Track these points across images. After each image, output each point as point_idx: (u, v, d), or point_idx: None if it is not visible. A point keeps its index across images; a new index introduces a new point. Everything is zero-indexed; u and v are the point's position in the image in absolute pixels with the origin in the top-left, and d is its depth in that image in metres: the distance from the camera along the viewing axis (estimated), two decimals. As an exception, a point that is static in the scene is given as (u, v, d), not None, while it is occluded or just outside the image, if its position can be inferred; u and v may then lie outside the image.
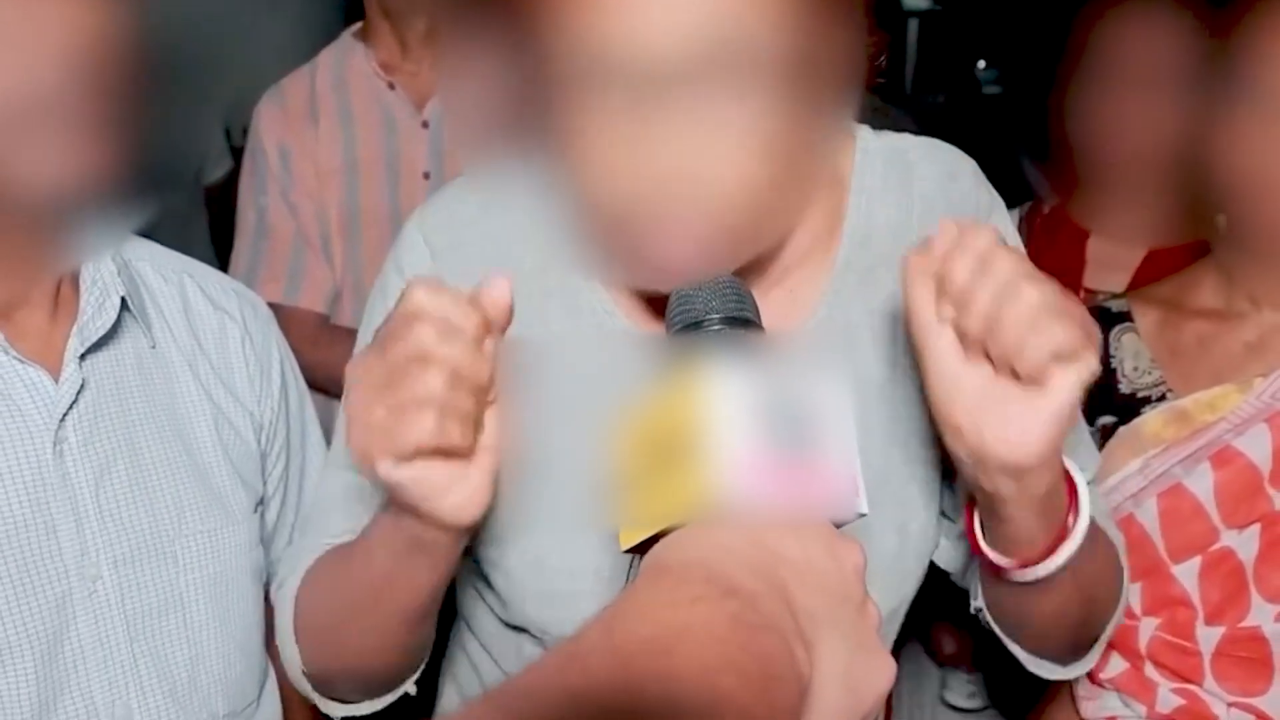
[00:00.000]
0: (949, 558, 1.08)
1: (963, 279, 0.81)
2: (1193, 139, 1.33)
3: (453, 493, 0.80)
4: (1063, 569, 0.91)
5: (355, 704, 1.04)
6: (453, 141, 2.00)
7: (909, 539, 1.03)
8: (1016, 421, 0.81)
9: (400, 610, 0.93)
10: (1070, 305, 0.81)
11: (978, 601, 1.05)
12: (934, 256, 0.82)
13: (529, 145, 0.91)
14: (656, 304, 0.95)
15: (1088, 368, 0.80)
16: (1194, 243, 1.55)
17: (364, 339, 1.06)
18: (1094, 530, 0.94)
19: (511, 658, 1.09)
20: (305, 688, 1.04)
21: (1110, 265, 1.76)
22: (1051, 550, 0.90)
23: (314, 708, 1.35)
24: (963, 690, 1.78)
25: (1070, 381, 0.79)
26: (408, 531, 0.85)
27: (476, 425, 0.80)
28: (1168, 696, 1.29)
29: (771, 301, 0.96)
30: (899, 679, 0.69)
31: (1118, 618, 1.06)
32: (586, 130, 0.83)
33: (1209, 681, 1.27)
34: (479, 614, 1.11)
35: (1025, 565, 0.91)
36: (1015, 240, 1.06)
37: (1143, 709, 1.31)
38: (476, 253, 1.00)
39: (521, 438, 0.92)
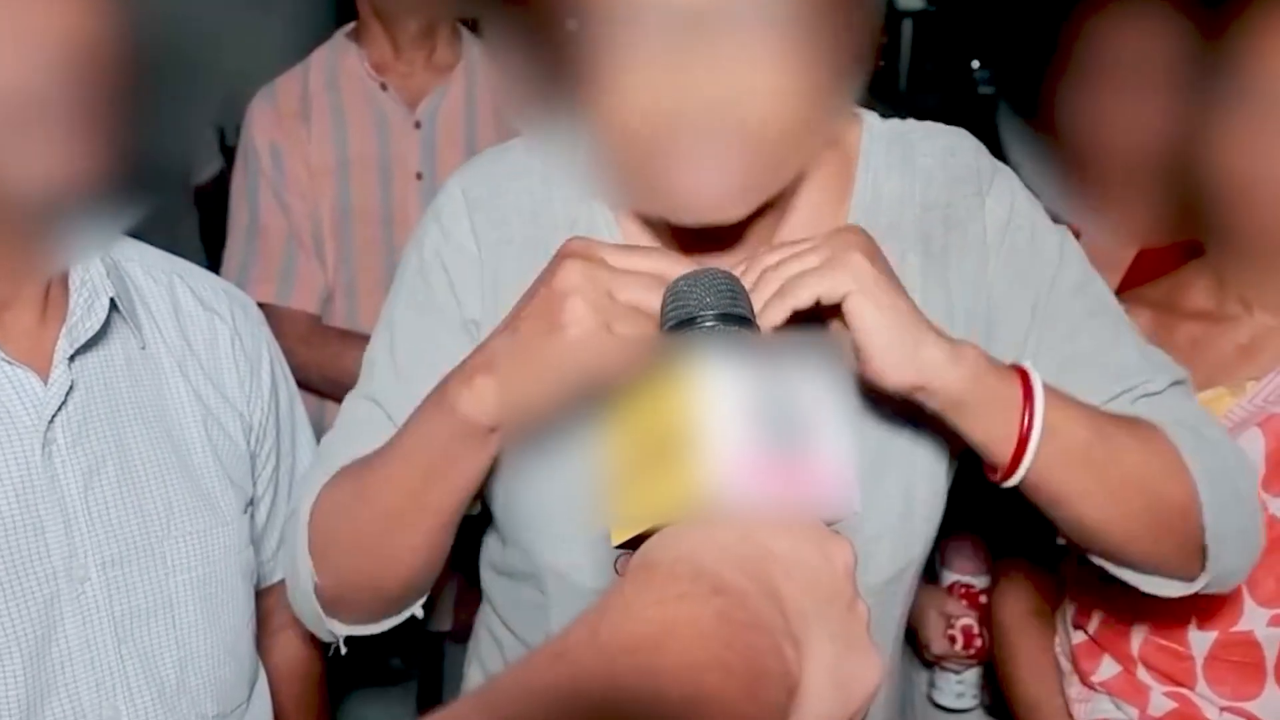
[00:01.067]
0: None
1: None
2: (1184, 139, 1.33)
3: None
4: (1043, 469, 0.95)
5: (360, 625, 1.08)
6: (455, 140, 2.00)
7: (915, 502, 1.07)
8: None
9: (440, 506, 0.98)
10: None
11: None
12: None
13: (566, 95, 0.96)
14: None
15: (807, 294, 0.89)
16: (1185, 243, 1.55)
17: (396, 295, 1.10)
18: (1100, 424, 0.98)
19: (531, 630, 1.13)
20: (311, 607, 1.06)
21: (1100, 265, 1.75)
22: (1018, 458, 0.95)
23: (309, 706, 1.36)
24: (950, 690, 1.78)
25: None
26: (474, 423, 0.92)
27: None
28: (1160, 700, 1.29)
29: None
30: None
31: (1223, 513, 1.03)
32: (621, 68, 0.90)
33: (1201, 685, 1.27)
34: (499, 595, 1.17)
35: (1004, 475, 0.96)
36: (1029, 199, 1.10)
37: (1135, 712, 1.31)
38: (511, 205, 1.07)
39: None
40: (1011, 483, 0.97)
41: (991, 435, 0.95)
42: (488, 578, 1.20)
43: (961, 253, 1.06)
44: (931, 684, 1.80)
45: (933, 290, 1.05)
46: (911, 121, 1.11)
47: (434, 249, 1.07)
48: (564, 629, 0.57)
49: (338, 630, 1.08)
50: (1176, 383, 1.09)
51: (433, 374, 1.01)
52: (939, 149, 1.08)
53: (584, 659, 0.54)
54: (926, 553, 1.13)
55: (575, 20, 0.91)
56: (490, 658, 1.22)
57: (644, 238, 1.06)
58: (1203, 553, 1.04)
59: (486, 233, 1.06)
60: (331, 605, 1.06)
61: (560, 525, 1.07)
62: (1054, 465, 0.95)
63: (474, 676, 1.26)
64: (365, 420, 1.08)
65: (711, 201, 0.93)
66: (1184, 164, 1.34)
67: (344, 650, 1.11)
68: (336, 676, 1.48)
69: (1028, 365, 0.96)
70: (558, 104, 0.98)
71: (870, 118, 1.10)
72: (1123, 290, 1.62)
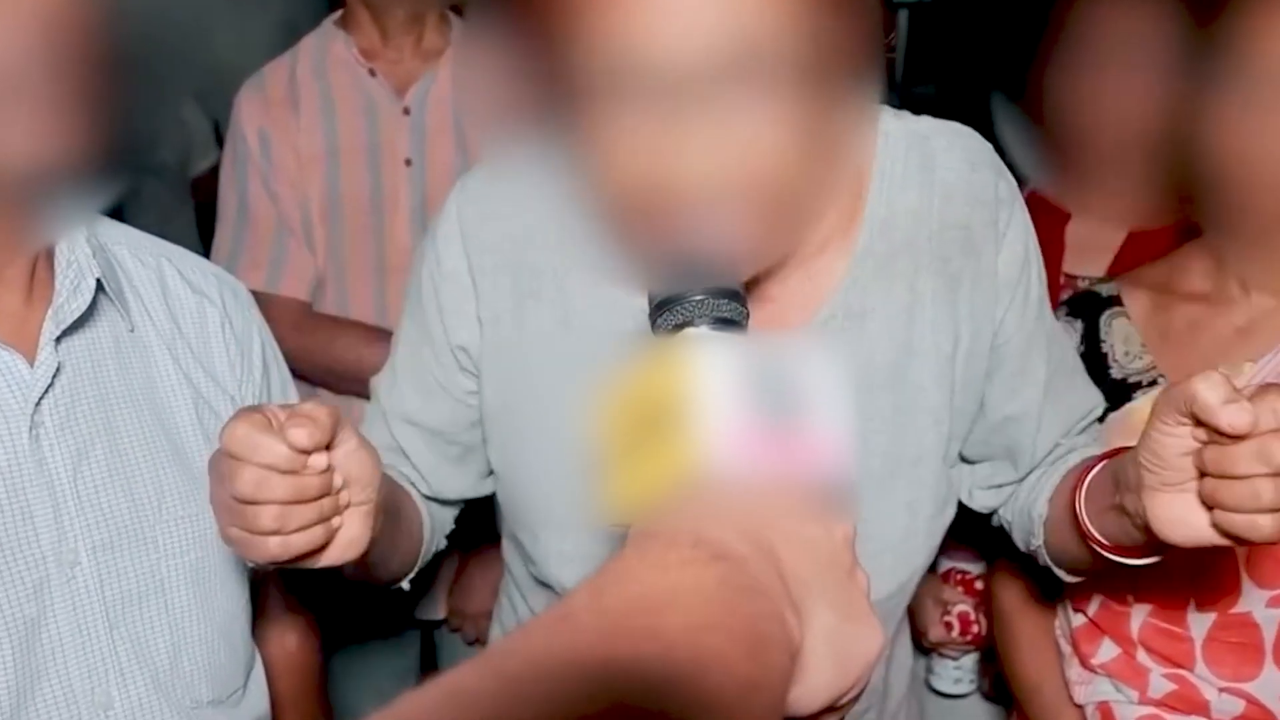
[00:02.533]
0: (983, 503, 1.19)
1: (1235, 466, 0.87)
2: (1178, 121, 1.32)
3: (327, 556, 0.91)
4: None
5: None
6: (444, 126, 2.00)
7: (919, 517, 1.07)
8: (1184, 521, 0.92)
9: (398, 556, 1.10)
10: None
11: (1038, 540, 1.13)
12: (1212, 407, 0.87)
13: (549, 138, 0.93)
14: None
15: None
16: (1176, 225, 1.54)
17: (404, 301, 1.15)
18: None
19: (545, 599, 1.16)
20: None
21: (1090, 248, 1.75)
22: (1157, 547, 0.99)
23: (306, 693, 1.35)
24: (948, 676, 1.78)
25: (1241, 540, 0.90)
26: None
27: (329, 527, 0.89)
28: (1159, 682, 1.29)
29: (790, 287, 1.01)
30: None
31: None
32: (608, 130, 0.84)
33: (1200, 667, 1.27)
34: (516, 566, 1.19)
35: (1120, 553, 1.03)
36: (1031, 228, 1.09)
37: (1135, 694, 1.31)
38: (505, 228, 1.05)
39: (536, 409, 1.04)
40: (1145, 561, 1.04)
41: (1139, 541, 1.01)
42: (507, 548, 1.22)
43: (974, 281, 1.03)
44: (929, 670, 1.80)
45: (942, 312, 1.03)
46: (927, 121, 1.05)
47: (429, 273, 1.08)
48: (567, 595, 0.57)
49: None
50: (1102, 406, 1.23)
51: (420, 391, 1.11)
52: (959, 161, 1.03)
53: (587, 622, 0.54)
54: (928, 564, 1.13)
55: (564, 66, 0.85)
56: (510, 623, 1.25)
57: None
58: None
59: (479, 258, 1.05)
60: None
61: (558, 508, 1.07)
62: None
63: (495, 635, 1.31)
64: (372, 414, 1.17)
65: (718, 270, 0.84)
66: (1178, 146, 1.33)
67: None
68: (332, 666, 1.48)
69: None
70: (542, 145, 0.97)
71: (885, 117, 1.04)
72: (1113, 272, 1.62)
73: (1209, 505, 0.90)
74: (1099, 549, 1.04)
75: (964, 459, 1.16)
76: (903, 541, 1.06)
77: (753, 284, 0.89)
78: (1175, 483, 0.91)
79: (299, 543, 0.86)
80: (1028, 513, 1.15)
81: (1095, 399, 1.21)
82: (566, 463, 1.03)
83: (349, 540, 0.92)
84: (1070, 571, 1.16)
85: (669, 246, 0.86)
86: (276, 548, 0.86)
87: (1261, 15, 1.21)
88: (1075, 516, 1.05)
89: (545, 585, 1.13)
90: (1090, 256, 1.74)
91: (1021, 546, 1.19)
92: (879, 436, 1.03)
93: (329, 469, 0.87)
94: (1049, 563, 1.15)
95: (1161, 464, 0.91)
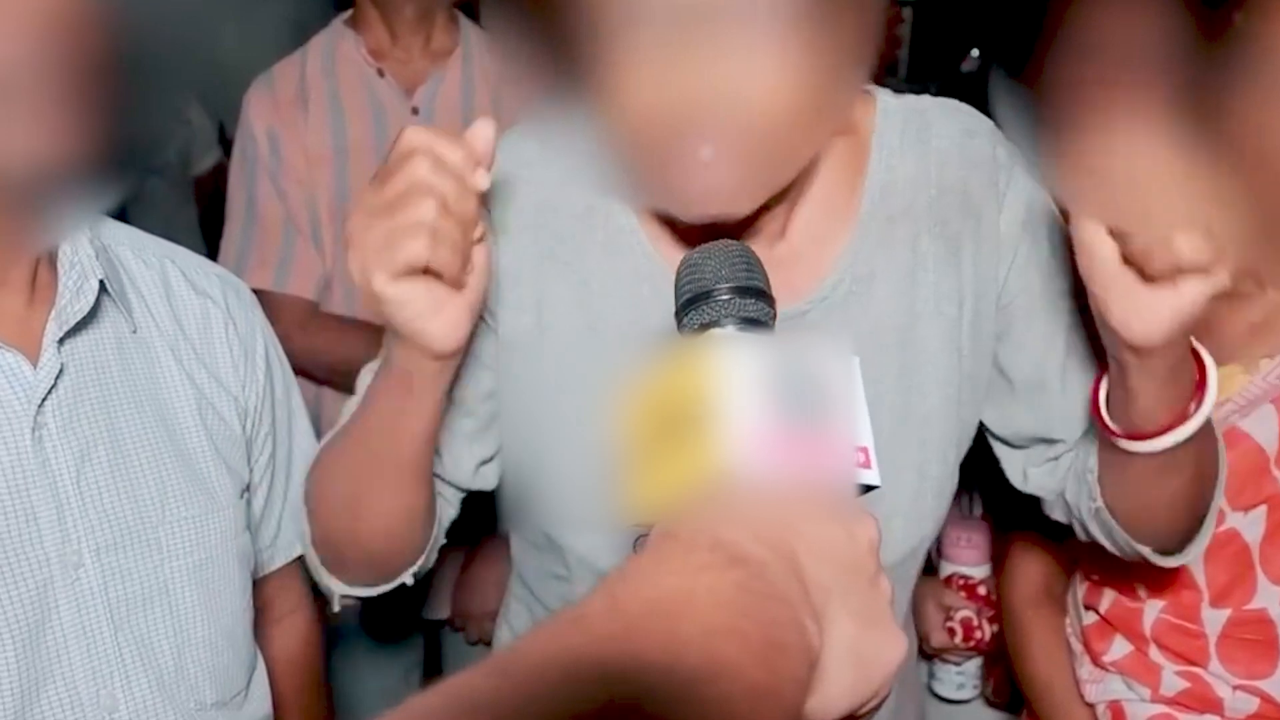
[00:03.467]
0: (1040, 484, 1.17)
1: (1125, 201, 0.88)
2: (1180, 118, 1.31)
3: (438, 317, 0.90)
4: (1180, 446, 0.99)
5: (357, 586, 1.12)
6: (452, 126, 1.99)
7: (928, 479, 1.08)
8: (1144, 310, 0.90)
9: (398, 463, 1.02)
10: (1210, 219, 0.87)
11: (1096, 501, 1.10)
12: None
13: (571, 81, 0.95)
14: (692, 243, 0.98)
15: (1215, 283, 0.87)
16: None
17: None
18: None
19: (556, 599, 1.16)
20: (313, 561, 1.12)
21: None
22: (1169, 428, 0.98)
23: (309, 695, 1.35)
24: (951, 681, 1.78)
25: (1195, 290, 0.88)
26: (398, 370, 0.96)
27: (464, 257, 0.89)
28: (1172, 679, 1.29)
29: (797, 253, 1.04)
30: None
31: (1217, 501, 1.12)
32: (625, 62, 0.88)
33: (1214, 664, 1.26)
34: (525, 563, 1.20)
35: (1142, 437, 0.99)
36: (1043, 193, 1.09)
37: (1147, 691, 1.30)
38: (525, 194, 1.07)
39: (557, 364, 1.06)
40: (1142, 449, 1.00)
41: (1156, 408, 0.98)
42: (516, 546, 1.22)
43: (976, 242, 1.06)
44: (931, 675, 1.79)
45: (945, 274, 1.06)
46: (926, 98, 1.10)
47: None
48: (581, 599, 0.56)
49: (335, 588, 1.12)
50: None
51: None
52: (956, 130, 1.07)
53: (601, 625, 0.54)
54: (937, 530, 1.14)
55: (577, 12, 0.88)
56: (519, 623, 1.25)
57: (658, 225, 1.05)
58: (1193, 533, 1.11)
59: (501, 221, 1.06)
60: (327, 562, 1.11)
61: (578, 508, 1.07)
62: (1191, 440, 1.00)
63: (504, 639, 1.31)
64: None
65: (718, 197, 0.91)
66: (1190, 142, 1.32)
67: (336, 608, 1.15)
68: (335, 665, 1.48)
69: (1206, 357, 1.00)
70: (562, 95, 0.98)
71: (883, 95, 1.08)
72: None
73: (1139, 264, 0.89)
74: (1122, 441, 1.02)
75: (1007, 442, 1.16)
76: (912, 505, 1.07)
77: (762, 250, 0.89)
78: (1108, 266, 0.91)
79: (444, 254, 0.86)
80: (1083, 477, 1.13)
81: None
82: (579, 436, 1.05)
83: (481, 268, 0.92)
84: (1134, 527, 1.10)
85: (677, 172, 0.91)
86: (425, 245, 0.84)
87: (1276, 9, 1.20)
88: (1102, 423, 1.03)
89: (558, 577, 1.13)
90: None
91: (1082, 533, 1.16)
92: (887, 397, 1.05)
93: (477, 196, 0.88)
94: (1114, 526, 1.11)
95: (1090, 256, 0.91)
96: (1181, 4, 1.63)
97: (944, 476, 1.09)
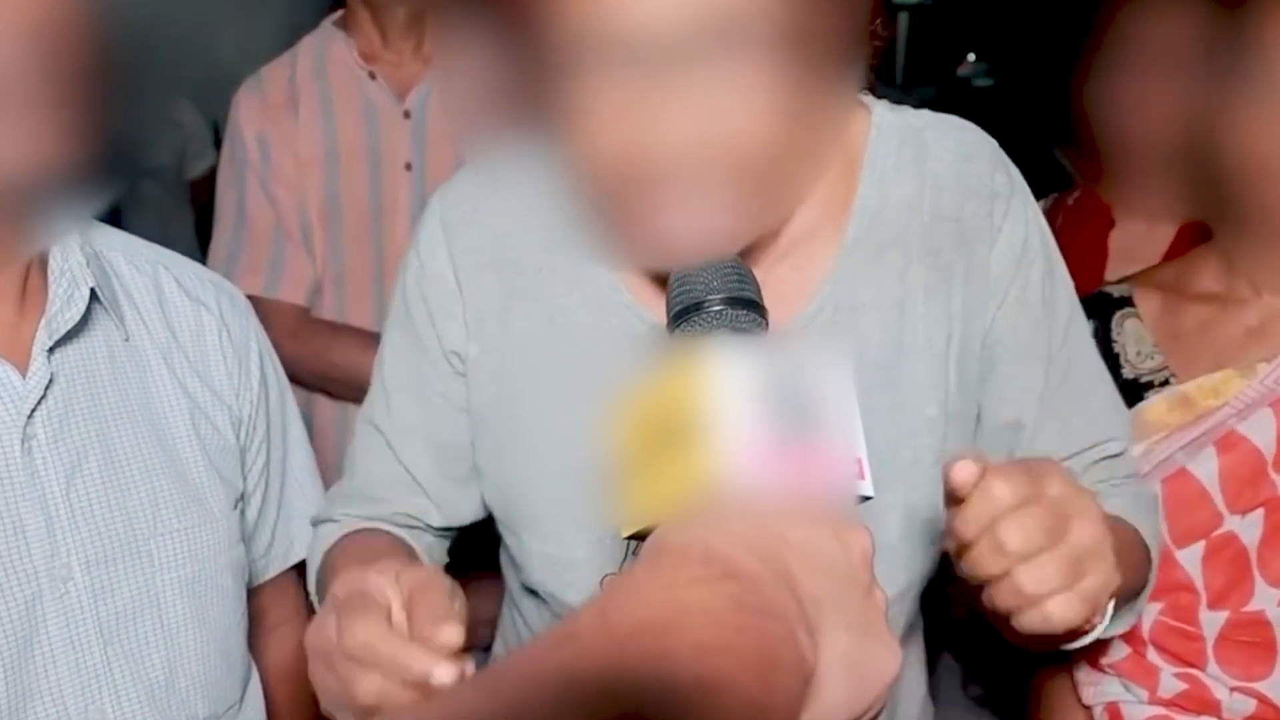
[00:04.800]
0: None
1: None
2: (1197, 120, 1.32)
3: None
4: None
5: None
6: (448, 128, 1.98)
7: (915, 519, 1.03)
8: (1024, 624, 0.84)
9: None
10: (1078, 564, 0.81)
11: None
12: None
13: (529, 125, 0.92)
14: (660, 279, 0.95)
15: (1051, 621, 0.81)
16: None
17: (389, 316, 1.12)
18: (1124, 558, 0.92)
19: (534, 619, 1.14)
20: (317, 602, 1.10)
21: (1132, 256, 1.75)
22: (1071, 638, 0.96)
23: (303, 706, 1.34)
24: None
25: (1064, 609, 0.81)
26: None
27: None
28: (1170, 681, 1.29)
29: (777, 277, 0.98)
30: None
31: (1152, 578, 1.09)
32: (587, 106, 0.83)
33: (1211, 666, 1.27)
34: (510, 576, 1.17)
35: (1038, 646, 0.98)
36: (1042, 226, 1.04)
37: (1144, 693, 1.30)
38: (487, 227, 1.04)
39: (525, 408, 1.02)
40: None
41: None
42: (502, 558, 1.20)
43: (967, 274, 1.00)
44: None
45: (935, 305, 1.00)
46: (925, 114, 1.03)
47: (415, 279, 1.07)
48: (573, 613, 0.56)
49: None
50: (1121, 443, 1.11)
51: (421, 405, 1.09)
52: (953, 152, 1.01)
53: (592, 641, 0.53)
54: (931, 572, 1.08)
55: (539, 50, 0.84)
56: (511, 636, 1.23)
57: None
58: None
59: (463, 259, 1.04)
60: None
61: (546, 513, 1.05)
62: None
63: (498, 650, 1.28)
64: (369, 449, 1.13)
65: (698, 247, 0.85)
66: (1195, 146, 1.33)
67: None
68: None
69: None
70: (523, 136, 0.96)
71: (879, 109, 1.02)
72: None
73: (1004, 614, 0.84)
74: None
75: None
76: (901, 544, 1.03)
77: None
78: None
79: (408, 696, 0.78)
80: None
81: (1110, 430, 1.10)
82: (552, 464, 1.02)
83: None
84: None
85: (649, 222, 0.86)
86: (377, 705, 0.77)
87: (1273, 15, 1.21)
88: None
89: (532, 592, 1.11)
90: (1133, 264, 1.73)
91: None
92: (873, 435, 1.01)
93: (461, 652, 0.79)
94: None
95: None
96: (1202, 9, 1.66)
97: (935, 519, 1.03)
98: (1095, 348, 1.12)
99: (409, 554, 1.09)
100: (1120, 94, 1.75)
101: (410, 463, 1.11)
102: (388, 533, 1.11)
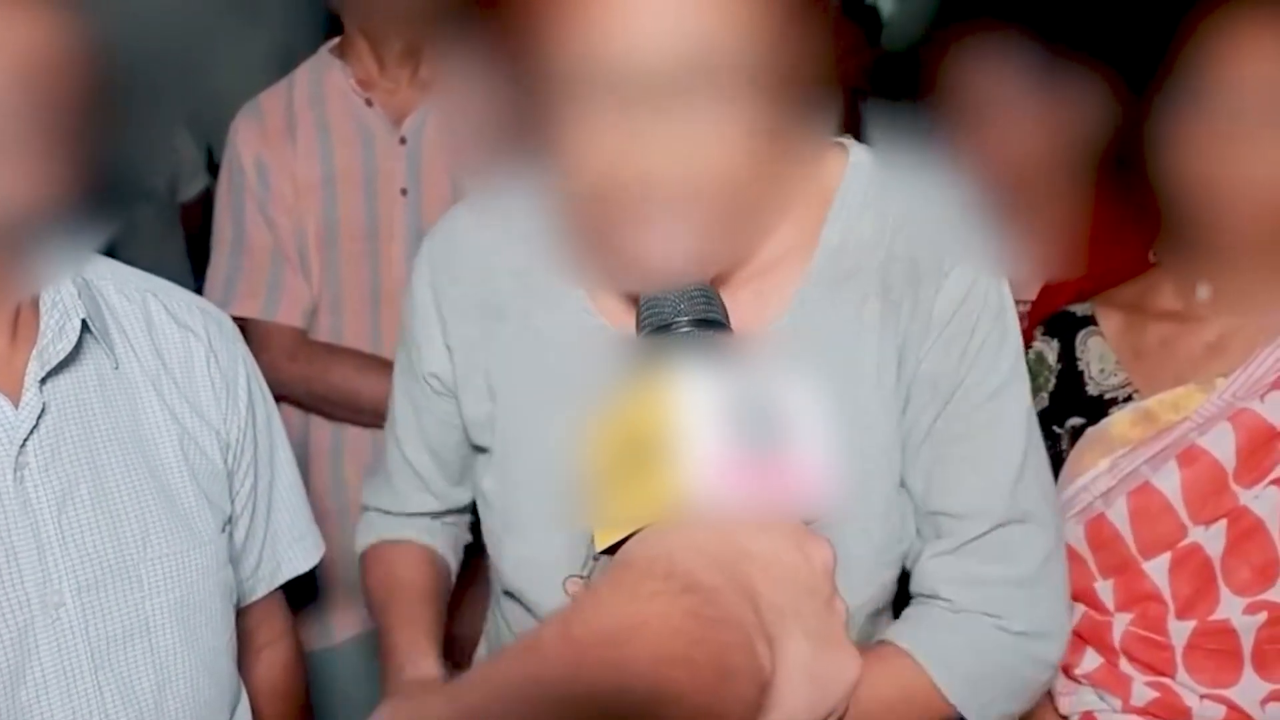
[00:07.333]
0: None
1: None
2: (1144, 142, 1.32)
3: None
4: None
5: None
6: (443, 154, 2.00)
7: (872, 540, 1.05)
8: None
9: None
10: None
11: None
12: None
13: (517, 153, 0.97)
14: (633, 300, 0.98)
15: None
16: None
17: (399, 337, 1.22)
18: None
19: (515, 622, 1.19)
20: None
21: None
22: None
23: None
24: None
25: None
26: None
27: None
28: (1142, 690, 1.31)
29: (738, 302, 0.99)
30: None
31: (976, 694, 1.06)
32: (575, 134, 0.88)
33: (1181, 674, 1.28)
34: (495, 581, 1.22)
35: None
36: (1000, 292, 1.04)
37: (1118, 702, 1.32)
38: (467, 260, 1.11)
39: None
40: None
41: None
42: (491, 570, 1.24)
43: (912, 312, 1.02)
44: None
45: (888, 337, 1.02)
46: (903, 158, 1.06)
47: (409, 304, 1.16)
48: (537, 626, 0.58)
49: None
50: (1011, 522, 1.05)
51: (415, 411, 1.20)
52: (918, 199, 1.03)
53: (553, 652, 0.55)
54: (888, 594, 1.10)
55: (530, 82, 0.89)
56: (494, 639, 1.28)
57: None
58: None
59: (445, 290, 1.12)
60: None
61: (524, 516, 1.11)
62: None
63: (480, 652, 1.35)
64: (389, 445, 1.25)
65: (672, 270, 0.88)
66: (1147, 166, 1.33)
67: None
68: (318, 694, 1.48)
69: None
70: (512, 162, 1.00)
71: (857, 150, 1.05)
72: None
73: None
74: None
75: None
76: (856, 565, 1.03)
77: None
78: None
79: None
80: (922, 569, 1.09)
81: (986, 509, 1.04)
82: (533, 473, 1.08)
83: None
84: None
85: (626, 246, 0.91)
86: None
87: (1218, 39, 1.22)
88: None
89: (513, 596, 1.15)
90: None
91: None
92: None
93: None
94: None
95: None
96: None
97: (890, 536, 1.06)
98: (1031, 431, 1.06)
99: (432, 575, 1.25)
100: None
101: (415, 463, 1.23)
102: (410, 544, 1.26)
